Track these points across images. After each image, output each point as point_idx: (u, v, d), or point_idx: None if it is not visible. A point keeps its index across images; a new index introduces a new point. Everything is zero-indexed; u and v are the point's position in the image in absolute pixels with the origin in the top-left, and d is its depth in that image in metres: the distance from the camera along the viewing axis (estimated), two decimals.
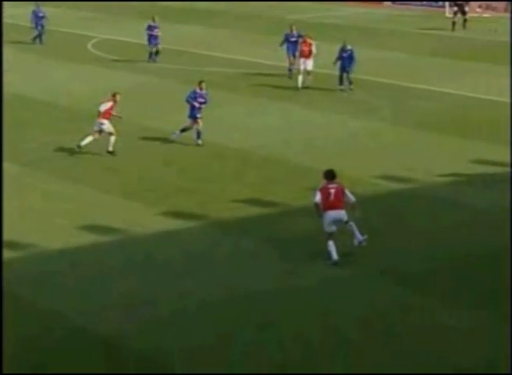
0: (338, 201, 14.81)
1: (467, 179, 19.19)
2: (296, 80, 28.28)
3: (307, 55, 28.45)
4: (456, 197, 18.09)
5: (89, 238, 15.99)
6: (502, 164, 20.01)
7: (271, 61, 32.17)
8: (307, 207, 16.07)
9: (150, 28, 33.09)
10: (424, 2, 50.62)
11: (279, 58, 30.69)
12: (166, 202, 17.87)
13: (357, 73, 28.10)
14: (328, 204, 14.77)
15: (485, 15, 46.06)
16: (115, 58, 33.93)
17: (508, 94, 26.50)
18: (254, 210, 17.42)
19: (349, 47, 27.90)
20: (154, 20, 33.31)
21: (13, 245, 15.58)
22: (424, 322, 12.87)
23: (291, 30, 30.35)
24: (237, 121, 24.47)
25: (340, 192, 14.92)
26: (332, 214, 14.75)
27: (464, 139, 22.10)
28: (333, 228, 14.81)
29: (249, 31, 34.73)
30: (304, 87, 28.01)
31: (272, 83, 29.21)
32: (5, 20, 39.95)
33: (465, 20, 41.07)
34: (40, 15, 36.88)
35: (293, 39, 29.98)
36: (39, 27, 36.74)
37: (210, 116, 22.43)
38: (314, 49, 28.59)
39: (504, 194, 18.11)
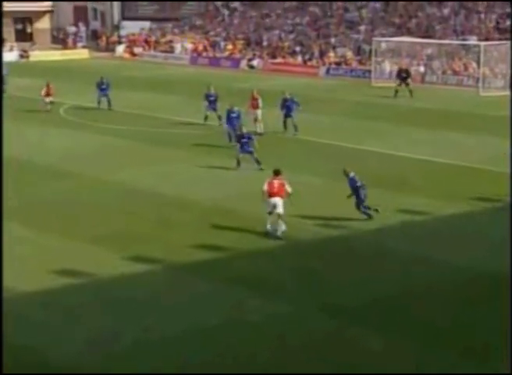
0: (279, 191, 18.27)
1: (395, 227, 19.58)
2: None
3: (256, 106, 30.82)
4: (386, 243, 18.45)
5: (61, 281, 15.89)
6: (425, 213, 20.50)
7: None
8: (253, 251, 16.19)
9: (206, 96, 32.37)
10: (353, 73, 51.91)
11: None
12: (128, 248, 17.89)
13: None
14: (272, 193, 18.23)
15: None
16: (82, 121, 34.03)
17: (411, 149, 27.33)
18: (208, 254, 17.54)
19: (289, 96, 30.76)
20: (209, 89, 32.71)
21: None
22: (355, 348, 13.09)
23: (209, 90, 32.38)
24: (188, 176, 24.65)
25: (281, 185, 18.37)
26: (273, 200, 18.23)
27: (391, 191, 22.56)
28: (272, 209, 18.20)
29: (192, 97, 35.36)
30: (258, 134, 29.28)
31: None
32: None
33: (410, 91, 41.12)
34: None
35: (212, 98, 32.07)
36: None
37: (164, 171, 22.57)
38: (260, 102, 30.84)
39: (424, 239, 18.57)
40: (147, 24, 70.56)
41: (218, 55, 61.44)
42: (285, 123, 31.06)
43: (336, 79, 51.02)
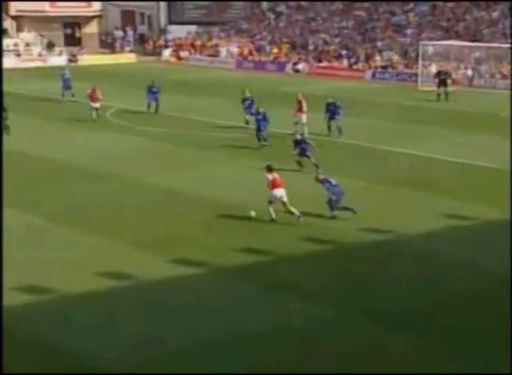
0: (280, 184, 20.08)
1: (439, 232, 19.40)
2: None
3: (300, 110, 30.87)
4: (430, 248, 18.29)
5: (106, 284, 16.07)
6: (469, 218, 20.28)
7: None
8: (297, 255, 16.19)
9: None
10: (399, 77, 51.56)
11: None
12: (173, 251, 18.02)
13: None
14: (278, 184, 20.00)
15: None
16: (128, 124, 34.38)
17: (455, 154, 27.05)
18: (252, 257, 17.59)
19: (332, 100, 30.94)
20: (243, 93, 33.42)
21: (35, 290, 15.65)
22: (397, 354, 13.00)
23: (244, 94, 32.86)
24: (229, 178, 24.72)
25: (278, 178, 20.16)
26: (279, 191, 19.97)
27: (434, 195, 22.36)
28: (275, 198, 19.93)
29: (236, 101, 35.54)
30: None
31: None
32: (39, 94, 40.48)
33: (447, 93, 41.08)
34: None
35: (248, 102, 32.35)
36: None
37: (205, 174, 22.70)
38: (304, 106, 30.82)
39: (474, 245, 18.34)
40: (193, 28, 71.07)
41: (263, 58, 61.55)
42: (329, 126, 31.21)
43: (382, 83, 50.72)
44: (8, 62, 60.05)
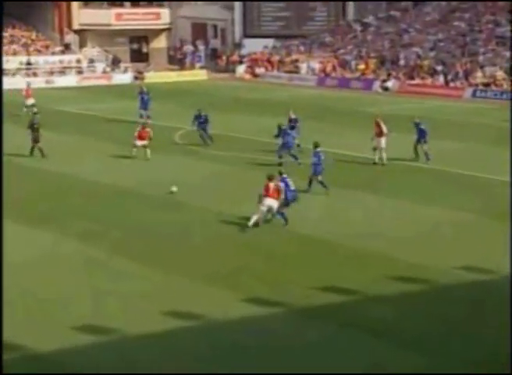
0: (273, 194, 22.15)
1: None
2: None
3: (380, 134, 30.88)
4: None
5: (172, 323, 16.15)
6: None
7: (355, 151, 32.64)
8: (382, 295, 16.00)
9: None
10: (504, 96, 50.81)
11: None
12: (245, 287, 18.06)
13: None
14: (268, 195, 22.05)
15: None
16: (197, 148, 34.73)
17: None
18: (332, 296, 17.49)
19: (418, 120, 31.06)
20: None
21: (90, 330, 15.70)
22: None
23: (290, 115, 33.46)
24: (303, 206, 24.67)
25: (276, 189, 22.21)
26: (268, 200, 22.15)
27: None
28: (265, 209, 22.22)
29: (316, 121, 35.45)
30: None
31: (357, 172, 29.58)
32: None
33: None
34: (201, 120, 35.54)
35: (297, 124, 33.09)
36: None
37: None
38: (384, 129, 30.81)
39: None
40: (270, 42, 71.76)
41: (348, 75, 61.63)
42: (415, 149, 31.04)
43: (484, 102, 50.09)
44: (70, 79, 61.80)
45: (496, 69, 54.39)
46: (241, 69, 68.58)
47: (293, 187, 23.01)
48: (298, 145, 32.37)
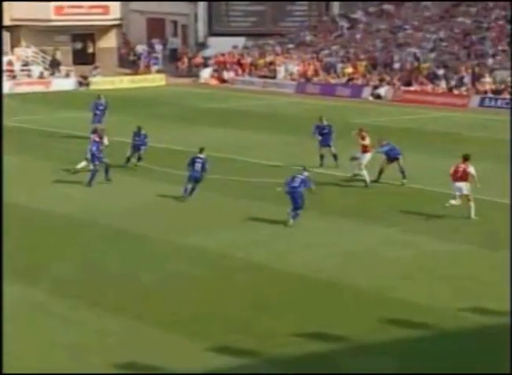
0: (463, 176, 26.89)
1: None
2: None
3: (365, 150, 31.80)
4: None
5: None
6: None
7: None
8: (382, 343, 16.11)
9: None
10: None
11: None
12: (214, 336, 18.11)
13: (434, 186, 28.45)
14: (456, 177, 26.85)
15: None
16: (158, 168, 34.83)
17: None
18: (314, 345, 17.59)
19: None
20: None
21: None
22: None
23: (321, 122, 34.76)
24: (291, 241, 24.94)
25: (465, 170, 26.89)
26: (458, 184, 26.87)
27: None
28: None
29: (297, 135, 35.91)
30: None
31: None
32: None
33: None
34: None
35: (325, 131, 34.44)
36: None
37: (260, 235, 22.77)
38: (368, 144, 31.63)
39: None
40: (241, 41, 72.00)
41: (333, 80, 62.11)
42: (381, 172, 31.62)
43: (493, 112, 50.64)
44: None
45: (507, 74, 55.05)
46: (206, 74, 68.83)
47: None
48: (334, 155, 34.10)
